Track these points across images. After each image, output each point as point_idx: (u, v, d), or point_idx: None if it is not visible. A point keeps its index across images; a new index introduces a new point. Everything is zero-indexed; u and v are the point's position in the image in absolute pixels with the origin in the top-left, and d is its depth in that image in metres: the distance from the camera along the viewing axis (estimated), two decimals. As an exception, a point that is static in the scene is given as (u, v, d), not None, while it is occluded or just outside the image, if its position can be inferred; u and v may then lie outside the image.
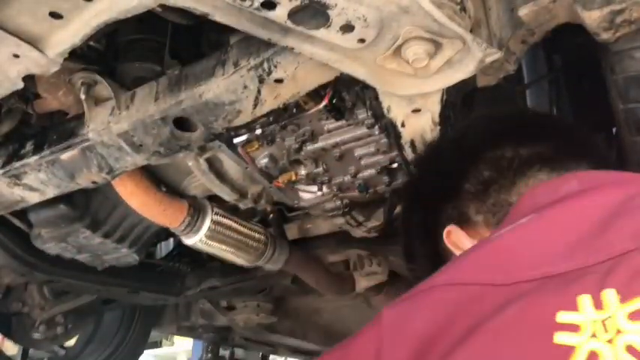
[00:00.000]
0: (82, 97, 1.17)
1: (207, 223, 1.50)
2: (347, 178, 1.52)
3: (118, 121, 1.16)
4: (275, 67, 0.98)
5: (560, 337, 0.51)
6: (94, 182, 1.30)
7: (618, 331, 0.50)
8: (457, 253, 0.84)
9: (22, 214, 1.59)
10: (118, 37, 1.26)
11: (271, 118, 1.20)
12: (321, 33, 0.82)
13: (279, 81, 1.01)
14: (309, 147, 1.41)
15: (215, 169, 1.46)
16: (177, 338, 6.59)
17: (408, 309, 0.65)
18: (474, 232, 0.84)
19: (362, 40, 0.83)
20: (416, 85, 0.94)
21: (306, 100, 1.18)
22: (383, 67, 0.89)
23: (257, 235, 1.63)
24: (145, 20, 1.00)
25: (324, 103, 1.18)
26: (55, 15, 0.84)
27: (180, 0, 0.79)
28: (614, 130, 1.25)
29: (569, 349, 0.50)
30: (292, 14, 0.79)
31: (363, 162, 1.46)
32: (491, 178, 0.83)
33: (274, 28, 0.84)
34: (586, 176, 0.76)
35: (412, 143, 1.14)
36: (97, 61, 1.26)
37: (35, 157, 1.26)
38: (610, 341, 0.50)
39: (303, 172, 1.50)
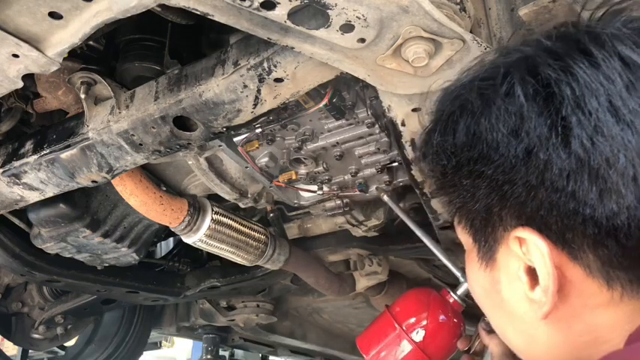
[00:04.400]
0: (82, 96, 1.17)
1: (207, 222, 1.50)
2: (347, 177, 1.53)
3: (118, 120, 1.16)
4: (275, 66, 0.98)
5: None
6: (93, 181, 1.30)
7: None
8: (521, 280, 0.61)
9: (22, 213, 1.59)
10: (118, 36, 1.27)
11: (271, 118, 1.20)
12: (321, 33, 0.82)
13: (279, 80, 1.01)
14: (310, 146, 1.41)
15: (215, 168, 1.46)
16: (177, 340, 6.58)
17: None
18: (568, 273, 0.58)
19: (362, 40, 0.83)
20: (416, 84, 0.94)
21: (307, 99, 1.18)
22: (383, 67, 0.90)
23: (257, 235, 1.63)
24: (144, 20, 1.00)
25: (324, 102, 1.18)
26: (54, 15, 0.84)
27: (180, 0, 0.79)
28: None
29: None
30: (292, 14, 0.79)
31: (363, 161, 1.47)
32: None
33: (274, 27, 0.84)
34: None
35: (412, 142, 1.14)
36: (97, 60, 1.27)
37: (35, 157, 1.26)
38: None
39: (303, 171, 1.50)
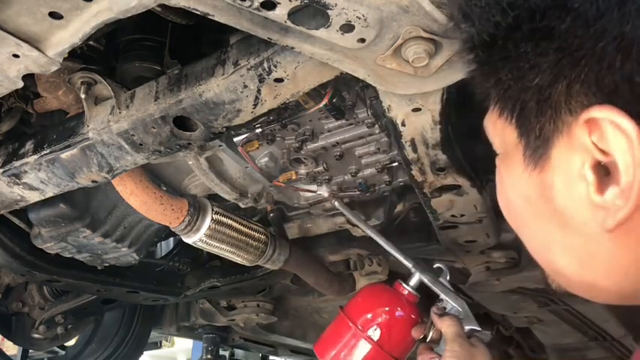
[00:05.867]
0: (82, 96, 1.18)
1: (208, 222, 1.50)
2: (347, 177, 1.53)
3: (118, 120, 1.16)
4: (275, 66, 0.98)
5: None
6: (93, 181, 1.30)
7: None
8: (587, 179, 0.48)
9: (22, 213, 1.59)
10: (118, 36, 1.27)
11: (271, 118, 1.20)
12: (321, 33, 0.82)
13: (279, 80, 1.01)
14: (310, 146, 1.41)
15: (215, 168, 1.46)
16: (177, 339, 6.59)
17: None
18: None
19: (362, 40, 0.83)
20: (416, 84, 0.94)
21: (307, 99, 1.18)
22: (383, 67, 0.90)
23: (257, 235, 1.63)
24: (144, 20, 1.00)
25: (324, 102, 1.18)
26: (54, 15, 0.84)
27: (180, 0, 0.79)
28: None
29: None
30: (292, 14, 0.79)
31: (363, 161, 1.47)
32: None
33: (274, 27, 0.84)
34: None
35: (412, 142, 1.14)
36: (97, 60, 1.27)
37: (35, 156, 1.26)
38: None
39: (303, 171, 1.50)
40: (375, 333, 1.26)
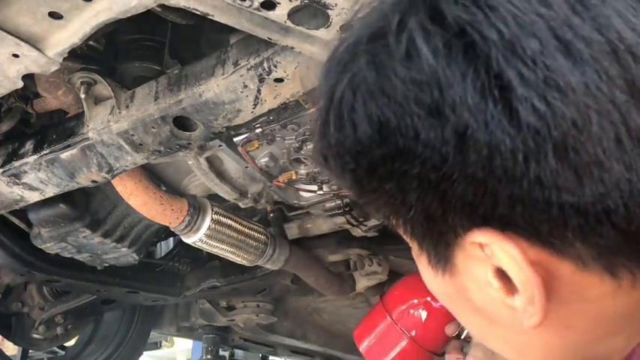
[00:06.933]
0: (82, 96, 1.18)
1: (207, 222, 1.50)
2: (347, 177, 1.53)
3: (118, 120, 1.16)
4: (275, 66, 0.98)
5: None
6: (93, 181, 1.30)
7: None
8: (493, 286, 0.46)
9: (22, 213, 1.59)
10: (118, 36, 1.27)
11: (271, 118, 1.20)
12: (321, 33, 0.82)
13: (279, 80, 1.01)
14: (310, 146, 1.41)
15: (215, 168, 1.46)
16: (177, 340, 6.58)
17: None
18: (553, 268, 0.44)
19: (362, 40, 0.83)
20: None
21: (307, 99, 1.18)
22: (383, 67, 0.90)
23: (257, 235, 1.63)
24: (144, 20, 1.00)
25: (324, 102, 1.18)
26: (54, 15, 0.84)
27: (180, 0, 0.79)
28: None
29: None
30: (292, 14, 0.79)
31: (363, 161, 1.47)
32: None
33: (274, 27, 0.84)
34: None
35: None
36: (97, 60, 1.27)
37: (35, 157, 1.26)
38: None
39: (303, 171, 1.50)
40: (409, 324, 1.23)
